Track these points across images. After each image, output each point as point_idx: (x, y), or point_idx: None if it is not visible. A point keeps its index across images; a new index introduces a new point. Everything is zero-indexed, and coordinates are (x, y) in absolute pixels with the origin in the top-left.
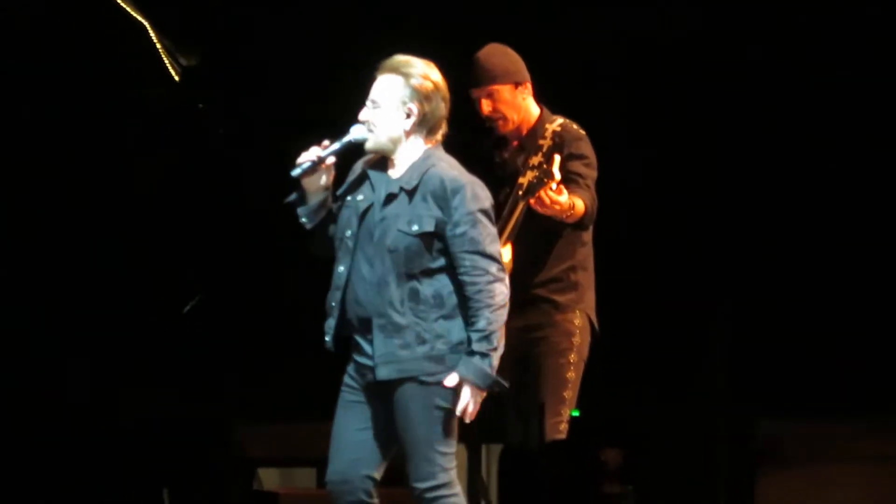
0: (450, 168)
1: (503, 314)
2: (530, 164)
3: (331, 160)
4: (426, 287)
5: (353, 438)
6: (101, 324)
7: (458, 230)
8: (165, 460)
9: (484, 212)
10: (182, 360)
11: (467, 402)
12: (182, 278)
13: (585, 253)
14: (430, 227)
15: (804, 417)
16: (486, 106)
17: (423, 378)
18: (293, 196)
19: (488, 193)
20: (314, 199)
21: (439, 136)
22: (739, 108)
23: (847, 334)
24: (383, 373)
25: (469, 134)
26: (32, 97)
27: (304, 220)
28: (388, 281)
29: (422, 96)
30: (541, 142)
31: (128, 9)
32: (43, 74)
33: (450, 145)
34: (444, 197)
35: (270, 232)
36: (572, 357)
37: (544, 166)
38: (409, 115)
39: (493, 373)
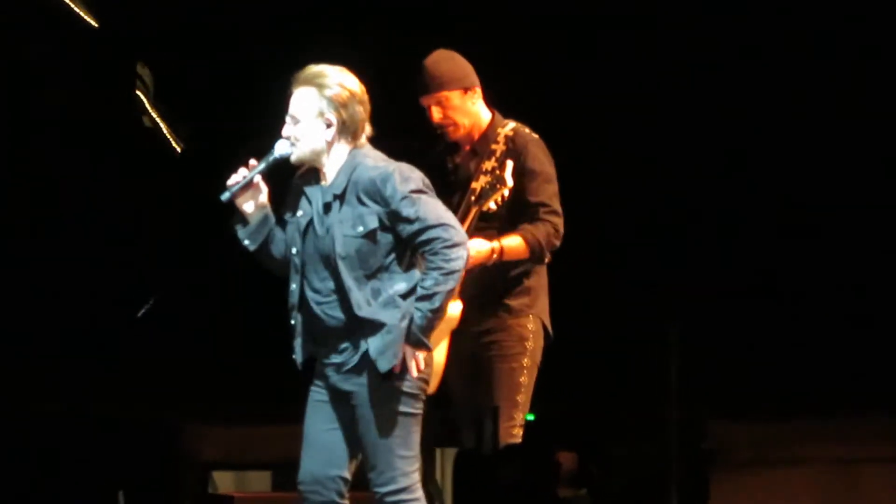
0: (374, 162)
1: (454, 279)
2: (483, 169)
3: (258, 179)
4: (387, 284)
5: (322, 438)
6: (54, 325)
7: (402, 215)
8: (120, 463)
9: (418, 190)
10: (136, 362)
11: (399, 359)
12: (137, 280)
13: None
14: (374, 224)
15: (755, 420)
16: (436, 113)
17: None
18: (237, 220)
19: (419, 173)
20: (253, 220)
21: (363, 138)
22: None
23: (798, 337)
24: (384, 364)
25: (422, 141)
26: None
27: (246, 242)
28: (349, 287)
29: (338, 104)
30: (493, 146)
31: None
32: None
33: (403, 153)
34: (376, 190)
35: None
36: (525, 361)
37: (497, 172)
38: (329, 126)
39: (425, 335)
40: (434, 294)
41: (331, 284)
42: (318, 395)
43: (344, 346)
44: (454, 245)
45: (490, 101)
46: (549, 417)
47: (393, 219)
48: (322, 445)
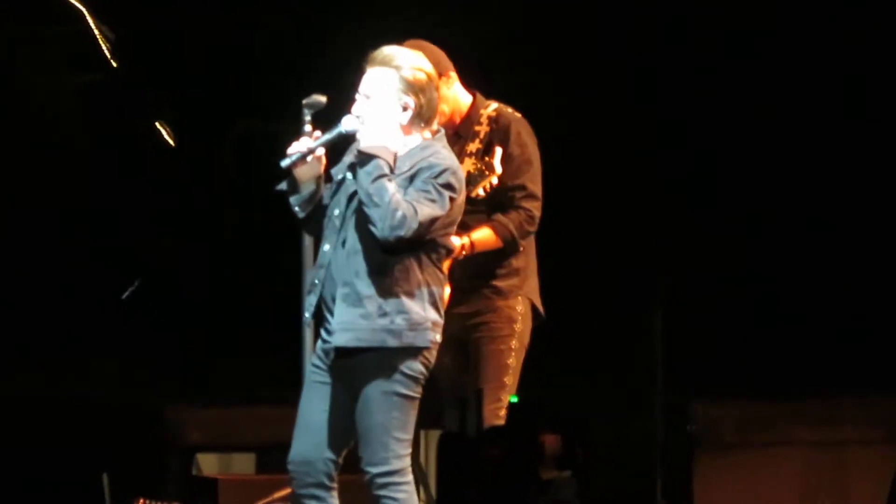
0: (446, 154)
1: (382, 212)
2: (468, 152)
3: (320, 151)
4: (395, 261)
5: (316, 420)
6: (39, 307)
7: (414, 182)
8: (104, 446)
9: (446, 185)
10: (121, 344)
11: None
12: (122, 262)
13: (528, 240)
14: (404, 168)
15: (740, 402)
16: None
17: (381, 349)
18: (283, 185)
19: (462, 185)
20: (305, 189)
21: (435, 125)
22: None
23: (783, 318)
24: (340, 339)
25: None
26: None
27: (296, 209)
28: (357, 250)
29: (417, 89)
30: (476, 128)
31: None
32: None
33: None
34: (428, 168)
35: (213, 215)
36: (513, 343)
37: (486, 158)
38: (405, 109)
39: (374, 165)
40: (377, 184)
41: (353, 245)
42: (316, 376)
43: (339, 306)
44: (413, 214)
45: (470, 83)
46: (533, 399)
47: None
48: (316, 427)
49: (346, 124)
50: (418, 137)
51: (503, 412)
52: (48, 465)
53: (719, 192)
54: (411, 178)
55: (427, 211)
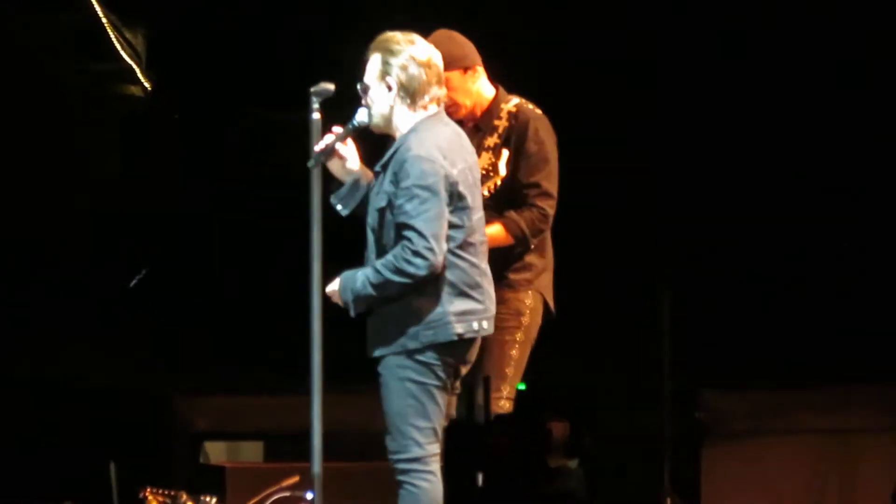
0: (419, 141)
1: (402, 278)
2: (486, 146)
3: (339, 146)
4: None
5: None
6: (47, 296)
7: (398, 202)
8: (112, 434)
9: (423, 187)
10: (129, 333)
11: (332, 291)
12: (129, 252)
13: (543, 237)
14: (383, 203)
15: (748, 390)
16: None
17: (398, 351)
18: (332, 186)
19: (435, 167)
20: (344, 185)
21: (427, 102)
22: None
23: (791, 306)
24: (369, 352)
25: None
26: None
27: (337, 207)
28: (370, 258)
29: (398, 67)
30: (496, 122)
31: None
32: None
33: None
34: (400, 171)
35: (218, 205)
36: (519, 336)
37: (493, 160)
38: (389, 89)
39: (352, 304)
40: (381, 273)
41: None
42: None
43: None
44: (415, 252)
45: (494, 77)
46: (541, 387)
47: (394, 203)
48: None
49: (358, 116)
50: (409, 117)
51: (503, 402)
52: (55, 454)
53: (726, 182)
54: (395, 182)
55: (426, 222)
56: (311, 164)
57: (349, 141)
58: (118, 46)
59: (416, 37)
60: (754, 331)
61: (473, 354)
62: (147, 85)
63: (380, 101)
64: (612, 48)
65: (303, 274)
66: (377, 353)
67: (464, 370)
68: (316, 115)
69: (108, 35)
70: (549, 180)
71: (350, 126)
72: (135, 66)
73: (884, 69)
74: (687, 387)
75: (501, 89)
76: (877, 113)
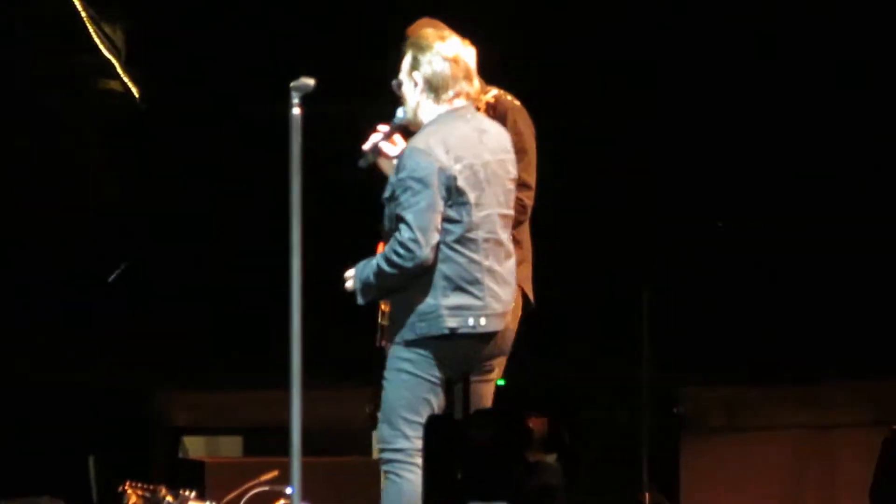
0: (425, 134)
1: (391, 274)
2: None
3: (388, 146)
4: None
5: None
6: (25, 292)
7: (397, 193)
8: (91, 428)
9: (416, 179)
10: (108, 328)
11: (348, 276)
12: (108, 246)
13: (520, 229)
14: (387, 193)
15: (727, 385)
16: None
17: (399, 342)
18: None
19: (428, 161)
20: None
21: (452, 96)
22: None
23: (770, 302)
24: (388, 343)
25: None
26: None
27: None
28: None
29: (423, 62)
30: None
31: None
32: None
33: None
34: (399, 162)
35: (200, 198)
36: None
37: None
38: (416, 85)
39: (359, 292)
40: (379, 263)
41: None
42: None
43: None
44: (401, 244)
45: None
46: (521, 382)
47: (396, 194)
48: None
49: (398, 114)
50: (432, 111)
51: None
52: (34, 448)
53: (707, 178)
54: (397, 173)
55: (415, 214)
56: (361, 163)
57: (397, 138)
58: (97, 40)
59: (447, 32)
60: (733, 327)
61: (481, 350)
62: (126, 80)
63: (409, 97)
64: (611, 48)
65: (282, 269)
66: (389, 343)
67: (479, 365)
68: (296, 111)
69: (88, 29)
70: (528, 171)
71: (394, 123)
72: (114, 61)
73: (884, 69)
74: (666, 382)
75: (481, 81)
76: (877, 113)
